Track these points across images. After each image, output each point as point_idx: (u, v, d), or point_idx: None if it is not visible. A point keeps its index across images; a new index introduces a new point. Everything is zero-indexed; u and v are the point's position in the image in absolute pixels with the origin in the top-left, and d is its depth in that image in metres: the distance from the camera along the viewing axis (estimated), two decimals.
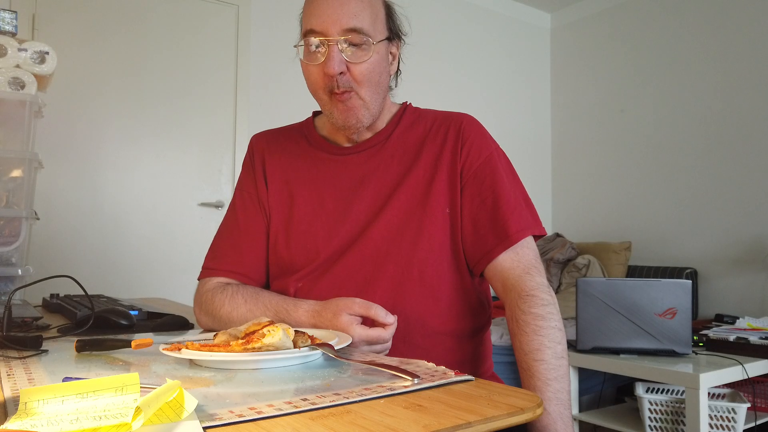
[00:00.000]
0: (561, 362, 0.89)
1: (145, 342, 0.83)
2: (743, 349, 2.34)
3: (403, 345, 1.00)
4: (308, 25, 0.98)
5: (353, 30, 0.96)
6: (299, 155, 1.15)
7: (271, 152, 1.17)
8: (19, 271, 1.39)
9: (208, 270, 1.11)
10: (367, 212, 1.07)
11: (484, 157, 1.06)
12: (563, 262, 3.91)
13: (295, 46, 1.02)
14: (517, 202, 1.04)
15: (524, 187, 1.10)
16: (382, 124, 1.12)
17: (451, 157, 1.06)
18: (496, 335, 2.78)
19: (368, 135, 1.11)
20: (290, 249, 1.09)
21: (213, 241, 1.15)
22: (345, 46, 0.97)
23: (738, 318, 2.79)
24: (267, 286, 1.14)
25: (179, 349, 0.75)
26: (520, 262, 1.00)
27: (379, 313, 0.90)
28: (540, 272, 1.00)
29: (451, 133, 1.08)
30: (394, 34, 1.06)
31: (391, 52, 1.07)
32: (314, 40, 0.98)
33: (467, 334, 1.07)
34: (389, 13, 1.05)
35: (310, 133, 1.16)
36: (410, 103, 1.17)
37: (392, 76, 1.11)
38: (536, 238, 1.05)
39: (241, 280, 1.10)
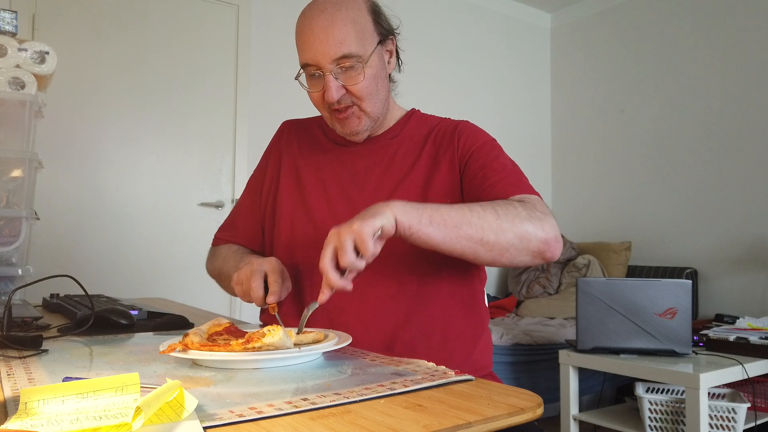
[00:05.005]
0: (486, 222, 0.90)
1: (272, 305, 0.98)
2: (743, 349, 2.34)
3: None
4: (302, 59, 1.04)
5: (342, 57, 1.00)
6: (314, 145, 1.20)
7: (289, 139, 1.24)
8: (19, 271, 1.39)
9: (215, 239, 1.29)
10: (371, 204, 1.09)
11: (480, 142, 1.10)
12: (563, 262, 3.91)
13: (296, 79, 1.07)
14: (519, 173, 1.08)
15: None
16: (390, 122, 1.16)
17: (449, 148, 1.10)
18: (496, 335, 2.77)
19: (379, 132, 1.15)
20: (294, 232, 1.13)
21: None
22: (339, 72, 1.01)
23: (738, 318, 2.79)
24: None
25: (179, 349, 0.75)
26: None
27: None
28: None
29: (449, 131, 1.13)
30: (385, 35, 1.08)
31: (387, 51, 1.10)
32: (310, 71, 1.04)
33: (466, 334, 1.07)
34: (376, 17, 1.06)
35: (325, 125, 1.20)
36: (418, 110, 1.21)
37: (393, 70, 1.14)
38: None
39: None
